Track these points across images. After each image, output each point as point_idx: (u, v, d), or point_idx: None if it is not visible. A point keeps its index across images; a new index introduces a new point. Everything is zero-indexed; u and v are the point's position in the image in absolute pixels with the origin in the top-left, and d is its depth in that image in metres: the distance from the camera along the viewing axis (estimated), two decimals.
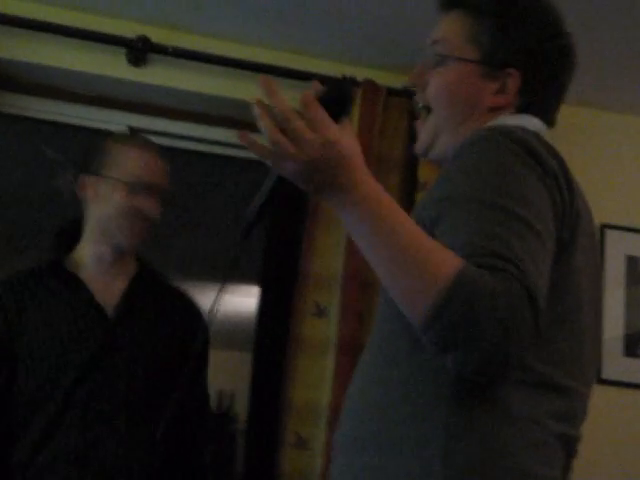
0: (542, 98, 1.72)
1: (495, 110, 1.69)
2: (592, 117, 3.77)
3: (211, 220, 5.26)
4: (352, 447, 1.57)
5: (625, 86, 3.59)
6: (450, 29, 1.74)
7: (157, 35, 3.26)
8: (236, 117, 3.51)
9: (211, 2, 3.13)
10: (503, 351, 1.29)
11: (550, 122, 1.76)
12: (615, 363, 3.56)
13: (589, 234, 1.62)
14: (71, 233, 2.54)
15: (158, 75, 3.32)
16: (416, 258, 1.31)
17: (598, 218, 3.59)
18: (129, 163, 2.48)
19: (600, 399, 3.54)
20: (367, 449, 1.52)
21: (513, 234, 1.35)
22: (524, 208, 1.40)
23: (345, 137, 1.34)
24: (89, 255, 2.49)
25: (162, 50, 3.25)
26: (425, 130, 1.75)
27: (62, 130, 3.50)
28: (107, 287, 2.46)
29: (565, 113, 3.58)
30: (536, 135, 1.57)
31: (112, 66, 3.27)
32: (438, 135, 1.73)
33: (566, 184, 1.51)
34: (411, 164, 3.29)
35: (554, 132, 3.58)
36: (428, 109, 1.74)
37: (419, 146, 1.77)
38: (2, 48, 3.16)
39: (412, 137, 3.29)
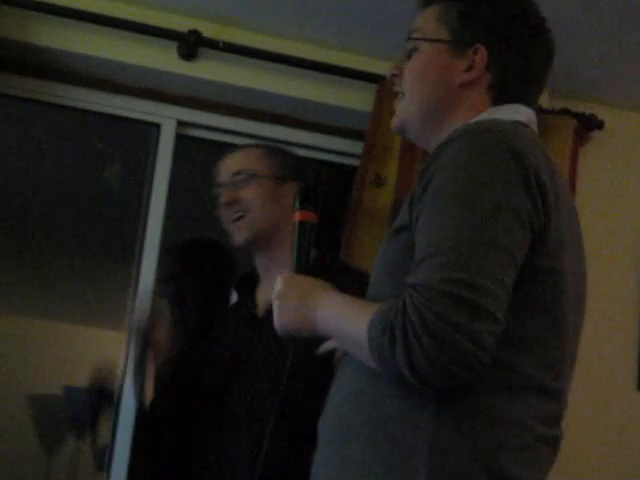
0: (513, 77, 1.76)
1: (465, 86, 1.75)
2: (639, 121, 3.75)
3: None
4: (335, 439, 1.60)
5: None
6: (423, 19, 1.83)
7: (208, 30, 3.28)
8: (284, 113, 3.53)
9: None
10: (411, 361, 1.42)
11: (531, 104, 1.80)
12: None
13: (574, 234, 1.68)
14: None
15: (208, 69, 3.34)
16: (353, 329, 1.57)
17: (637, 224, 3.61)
18: None
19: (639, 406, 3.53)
20: (350, 442, 1.56)
21: (467, 252, 1.45)
22: (494, 225, 1.47)
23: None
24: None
25: (213, 45, 3.27)
26: (399, 110, 1.83)
27: (112, 122, 3.53)
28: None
29: (610, 117, 3.60)
30: (524, 131, 1.64)
31: (163, 59, 3.30)
32: (411, 116, 1.80)
33: (552, 187, 1.57)
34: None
35: (603, 135, 3.59)
36: (403, 94, 1.83)
37: (394, 124, 1.86)
38: (55, 39, 3.20)
39: None
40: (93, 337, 5.77)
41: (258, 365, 2.46)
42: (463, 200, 1.49)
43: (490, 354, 1.44)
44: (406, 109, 1.81)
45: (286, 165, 2.66)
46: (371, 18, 3.16)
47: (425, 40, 1.79)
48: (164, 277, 2.67)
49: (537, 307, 1.55)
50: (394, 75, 1.85)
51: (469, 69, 1.75)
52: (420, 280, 1.45)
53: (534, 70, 1.79)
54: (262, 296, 2.59)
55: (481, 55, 1.75)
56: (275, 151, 2.70)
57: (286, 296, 1.73)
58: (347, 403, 1.61)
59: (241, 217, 2.56)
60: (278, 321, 1.74)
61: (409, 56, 1.82)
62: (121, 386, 3.22)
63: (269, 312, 2.50)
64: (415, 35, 1.82)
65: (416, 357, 1.41)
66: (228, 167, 2.64)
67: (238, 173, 2.59)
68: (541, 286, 1.55)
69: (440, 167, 1.55)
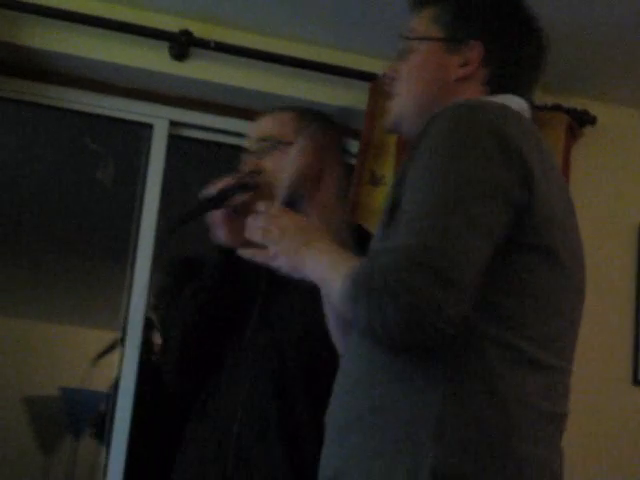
0: (507, 71, 1.82)
1: (461, 81, 1.80)
2: (631, 117, 3.76)
3: None
4: (341, 430, 1.60)
5: None
6: (418, 20, 1.88)
7: (199, 29, 3.28)
8: None
9: None
10: (381, 319, 1.45)
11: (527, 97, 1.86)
12: None
13: (569, 219, 1.71)
14: None
15: (200, 69, 3.34)
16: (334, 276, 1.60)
17: (635, 217, 3.62)
18: None
19: (636, 400, 3.54)
20: (356, 431, 1.56)
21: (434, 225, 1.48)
22: (470, 198, 1.50)
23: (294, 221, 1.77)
24: None
25: (204, 45, 3.27)
26: (395, 106, 1.87)
27: (105, 123, 3.53)
28: None
29: (602, 112, 3.61)
30: (511, 112, 1.66)
31: (154, 60, 3.30)
32: (408, 111, 1.84)
33: (539, 166, 1.59)
34: None
35: (595, 130, 3.60)
36: (398, 94, 1.87)
37: (388, 122, 1.91)
38: (45, 40, 3.20)
39: None
40: (88, 338, 5.77)
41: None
42: (440, 174, 1.52)
43: (455, 324, 1.45)
44: (402, 105, 1.85)
45: None
46: (363, 16, 3.16)
47: (421, 39, 1.84)
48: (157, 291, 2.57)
49: (530, 284, 1.57)
50: (389, 77, 1.89)
51: (464, 64, 1.80)
52: (390, 246, 1.49)
53: (527, 64, 1.84)
54: None
55: (476, 51, 1.80)
56: (309, 116, 2.43)
57: (285, 235, 1.73)
58: (350, 392, 1.61)
59: None
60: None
61: (405, 57, 1.86)
62: (117, 382, 3.23)
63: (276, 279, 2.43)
64: (410, 35, 1.86)
65: (379, 320, 1.45)
66: (255, 132, 2.44)
67: (264, 140, 2.38)
68: (532, 263, 1.57)
69: (425, 142, 1.58)
